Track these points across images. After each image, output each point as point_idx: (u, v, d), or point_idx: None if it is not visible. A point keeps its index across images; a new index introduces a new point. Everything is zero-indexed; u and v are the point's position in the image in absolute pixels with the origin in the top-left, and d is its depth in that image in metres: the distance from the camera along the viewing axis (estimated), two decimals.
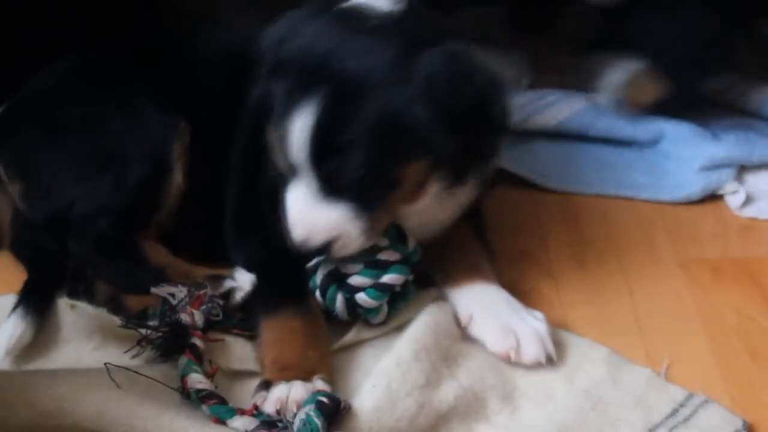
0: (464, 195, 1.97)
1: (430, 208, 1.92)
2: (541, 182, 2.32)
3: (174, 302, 1.89)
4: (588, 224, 2.25)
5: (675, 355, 1.89)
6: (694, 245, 2.18)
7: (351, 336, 1.92)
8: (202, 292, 1.90)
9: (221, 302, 1.92)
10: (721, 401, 1.80)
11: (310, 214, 1.81)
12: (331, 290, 1.90)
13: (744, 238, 2.20)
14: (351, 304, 1.91)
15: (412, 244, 1.94)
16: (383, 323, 1.95)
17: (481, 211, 2.09)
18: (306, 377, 1.76)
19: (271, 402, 1.73)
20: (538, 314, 1.90)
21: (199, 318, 1.87)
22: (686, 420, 1.78)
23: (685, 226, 2.23)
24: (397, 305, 1.94)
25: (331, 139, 1.74)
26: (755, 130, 2.37)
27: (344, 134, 1.73)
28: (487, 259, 2.01)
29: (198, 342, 1.83)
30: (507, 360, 1.85)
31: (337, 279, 1.91)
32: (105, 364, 1.74)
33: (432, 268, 2.01)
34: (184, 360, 1.80)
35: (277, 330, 1.85)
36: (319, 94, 1.73)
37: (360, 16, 1.80)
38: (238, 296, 1.92)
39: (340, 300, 1.90)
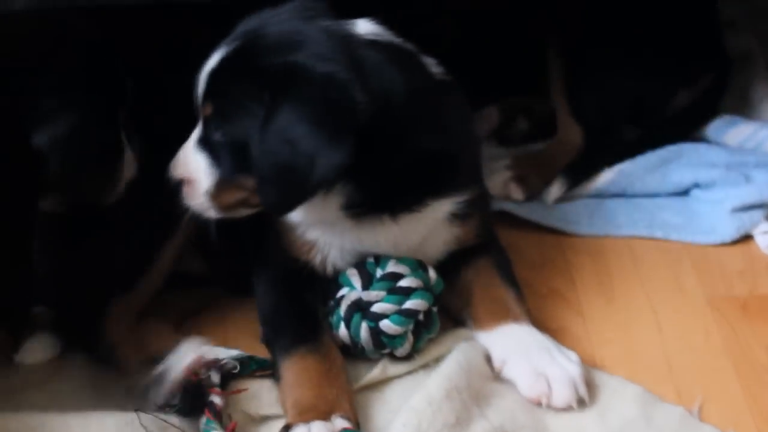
0: (434, 221, 1.95)
1: (398, 234, 1.92)
2: (571, 230, 2.30)
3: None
4: (615, 261, 2.22)
5: (705, 392, 1.87)
6: (723, 283, 2.15)
7: (377, 372, 1.90)
8: (209, 359, 1.89)
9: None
10: None
11: (184, 150, 1.89)
12: (355, 319, 1.90)
13: None
14: (376, 333, 1.89)
15: (433, 274, 1.93)
16: (409, 358, 1.93)
17: (500, 250, 2.07)
18: (325, 417, 1.74)
19: None
20: (572, 355, 1.87)
21: (215, 376, 1.85)
22: None
23: (713, 263, 2.20)
24: (421, 337, 1.92)
25: (212, 91, 1.83)
26: None
27: (220, 93, 1.82)
28: (515, 298, 1.98)
29: (216, 399, 1.81)
30: (539, 404, 1.82)
31: (361, 308, 1.90)
32: (136, 410, 1.74)
33: (461, 311, 1.99)
34: (203, 419, 1.78)
35: (293, 371, 1.84)
36: (225, 48, 1.83)
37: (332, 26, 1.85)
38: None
39: (364, 329, 1.89)
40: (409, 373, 1.92)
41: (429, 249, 1.99)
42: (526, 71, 2.53)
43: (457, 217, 1.96)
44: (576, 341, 1.96)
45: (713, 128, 2.49)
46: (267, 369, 1.91)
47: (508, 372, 1.87)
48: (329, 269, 1.97)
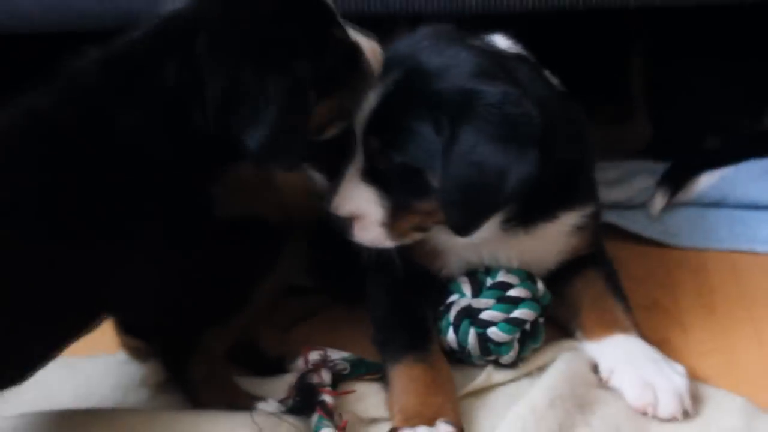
0: (560, 232, 1.97)
1: (525, 243, 1.94)
2: (673, 242, 2.30)
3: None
4: (716, 274, 2.21)
5: None
6: None
7: (482, 379, 1.91)
8: (321, 359, 1.93)
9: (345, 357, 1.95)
10: None
11: (345, 185, 1.88)
12: (464, 325, 1.91)
13: None
14: (483, 339, 1.91)
15: (541, 286, 1.95)
16: (513, 366, 1.94)
17: (608, 261, 2.06)
18: (429, 423, 1.75)
19: None
20: (679, 368, 1.86)
21: (326, 376, 1.89)
22: None
23: None
24: (526, 345, 1.93)
25: (380, 124, 1.83)
26: None
27: (390, 126, 1.81)
28: (624, 309, 1.98)
29: (327, 398, 1.84)
30: (645, 414, 1.82)
31: (470, 314, 1.92)
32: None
33: (569, 321, 2.00)
34: (315, 417, 1.80)
35: (401, 378, 1.86)
36: (388, 80, 1.83)
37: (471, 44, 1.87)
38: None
39: (472, 335, 1.91)
40: (512, 380, 1.92)
41: (545, 259, 2.00)
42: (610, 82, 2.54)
43: (578, 228, 1.98)
44: (677, 353, 1.96)
45: None
46: (376, 372, 1.94)
47: (616, 381, 1.86)
48: (445, 275, 1.99)
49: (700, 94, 2.50)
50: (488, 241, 1.92)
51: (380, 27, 1.93)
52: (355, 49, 1.82)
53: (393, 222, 1.85)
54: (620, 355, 1.89)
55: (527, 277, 1.96)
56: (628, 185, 2.42)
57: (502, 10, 2.13)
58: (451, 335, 1.93)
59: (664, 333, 2.02)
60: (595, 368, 1.92)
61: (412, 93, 1.81)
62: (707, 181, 2.40)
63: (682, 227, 2.34)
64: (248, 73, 1.68)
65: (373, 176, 1.85)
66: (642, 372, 1.85)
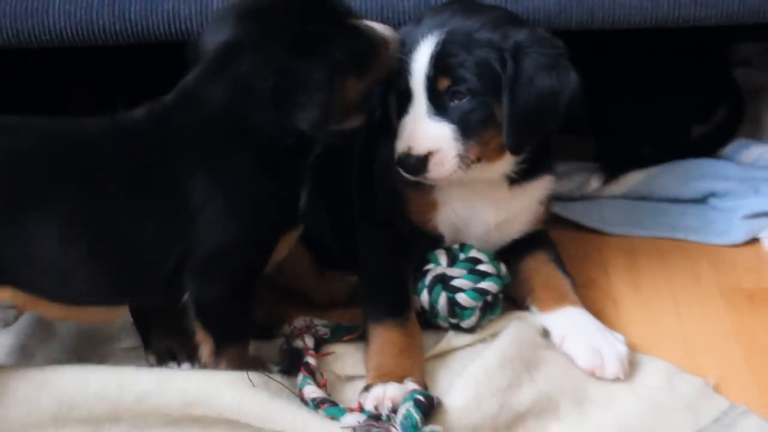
0: (532, 197, 2.04)
1: (507, 203, 2.01)
2: (606, 230, 2.34)
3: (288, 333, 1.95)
4: (643, 257, 2.25)
5: (716, 370, 1.89)
6: (733, 277, 2.18)
7: (443, 343, 1.95)
8: (305, 325, 1.96)
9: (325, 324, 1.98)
10: (757, 412, 1.80)
11: (417, 126, 1.89)
12: (437, 289, 1.96)
13: None
14: (451, 303, 1.95)
15: (504, 268, 2.00)
16: (471, 331, 1.98)
17: (553, 245, 2.11)
18: (399, 380, 1.79)
19: (370, 400, 1.77)
20: (620, 336, 1.92)
21: (309, 341, 1.92)
22: (728, 427, 1.78)
23: (725, 261, 2.23)
24: (485, 315, 1.98)
25: (446, 66, 1.88)
26: None
27: (456, 66, 1.87)
28: (571, 286, 2.03)
29: (311, 360, 1.87)
30: (592, 374, 1.87)
31: (443, 280, 1.97)
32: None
33: (523, 297, 2.04)
34: (300, 376, 1.84)
35: (378, 338, 1.89)
36: (438, 35, 1.88)
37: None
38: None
39: (443, 297, 1.95)
40: (469, 345, 1.96)
41: (513, 226, 2.07)
42: None
43: (544, 199, 2.06)
44: (610, 324, 1.98)
45: (730, 149, 2.52)
46: (353, 333, 1.98)
47: (568, 347, 1.91)
48: (432, 229, 2.02)
49: (636, 111, 2.54)
50: (478, 196, 1.99)
51: None
52: (374, 37, 1.84)
53: (466, 153, 1.88)
54: (571, 325, 1.94)
55: (494, 258, 2.01)
56: (569, 180, 2.46)
57: None
58: (424, 296, 1.97)
59: (599, 307, 2.06)
60: (541, 334, 1.96)
61: (469, 42, 1.87)
62: (636, 178, 2.44)
63: (615, 217, 2.38)
64: (294, 66, 1.71)
65: (440, 115, 1.88)
66: (590, 339, 1.91)
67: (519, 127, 1.86)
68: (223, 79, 1.74)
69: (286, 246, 1.87)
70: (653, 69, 2.54)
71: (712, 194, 2.39)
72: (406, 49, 1.91)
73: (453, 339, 1.97)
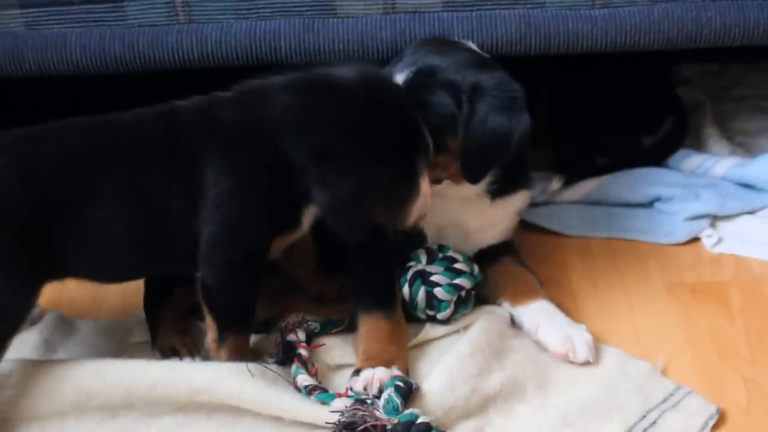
0: (511, 209, 2.06)
1: (486, 212, 2.02)
2: (565, 232, 2.34)
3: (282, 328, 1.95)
4: (598, 256, 2.26)
5: (662, 355, 1.90)
6: (677, 273, 2.19)
7: (422, 335, 1.96)
8: (298, 320, 1.96)
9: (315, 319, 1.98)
10: (699, 392, 1.82)
11: None
12: (417, 283, 1.96)
13: (714, 268, 2.20)
14: (430, 296, 1.95)
15: (477, 268, 2.01)
16: (446, 323, 1.98)
17: (517, 251, 2.12)
18: (387, 365, 1.80)
19: (360, 382, 1.78)
20: (583, 327, 1.94)
21: (301, 335, 1.92)
22: (674, 406, 1.79)
23: (670, 258, 2.24)
24: (459, 308, 1.98)
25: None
26: (725, 190, 2.39)
27: (423, 100, 1.87)
28: (539, 283, 2.04)
29: (303, 351, 1.87)
30: (565, 359, 1.89)
31: (423, 276, 1.97)
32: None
33: (495, 296, 2.04)
34: (294, 366, 1.84)
35: (368, 326, 1.90)
36: (406, 74, 1.89)
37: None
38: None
39: (422, 291, 1.96)
40: (445, 336, 1.96)
41: (488, 234, 2.07)
42: None
43: (518, 212, 2.08)
44: (569, 316, 1.98)
45: (674, 158, 2.53)
46: (340, 326, 1.98)
47: (541, 335, 1.92)
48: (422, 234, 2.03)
49: (592, 124, 2.53)
50: (461, 205, 2.00)
51: None
52: (418, 184, 1.82)
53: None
54: (543, 316, 1.95)
55: (469, 258, 2.03)
56: None
57: None
58: (405, 290, 1.97)
59: (559, 301, 2.05)
60: (508, 325, 1.97)
61: (433, 80, 1.88)
62: (591, 185, 2.44)
63: (573, 220, 2.38)
64: (341, 150, 1.73)
65: None
66: (561, 328, 1.92)
67: (472, 161, 1.88)
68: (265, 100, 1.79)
69: (283, 245, 1.87)
70: (607, 86, 2.53)
71: (659, 199, 2.39)
72: None
73: (431, 330, 1.98)
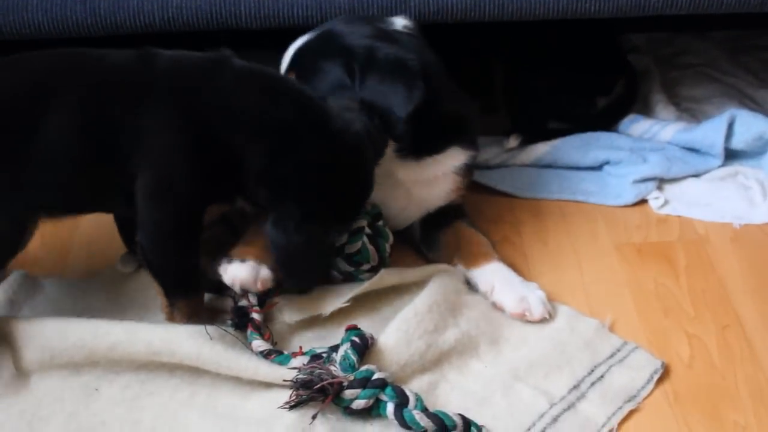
0: (444, 167, 2.01)
1: (416, 170, 1.98)
2: (517, 194, 2.33)
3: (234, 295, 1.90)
4: (549, 217, 2.26)
5: (611, 313, 1.92)
6: (625, 233, 2.19)
7: (376, 279, 1.90)
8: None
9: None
10: (644, 347, 1.84)
11: None
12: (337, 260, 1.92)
13: (660, 229, 2.21)
14: (347, 257, 1.92)
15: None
16: (385, 266, 1.94)
17: (469, 216, 2.11)
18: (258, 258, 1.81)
19: (227, 277, 1.81)
20: (534, 285, 1.94)
21: (253, 299, 1.87)
22: (621, 361, 1.80)
23: (619, 219, 2.24)
24: (382, 246, 1.95)
25: (301, 63, 1.89)
26: (671, 154, 2.39)
27: (312, 64, 1.87)
28: (491, 245, 2.03)
29: (256, 316, 1.84)
30: (521, 318, 1.88)
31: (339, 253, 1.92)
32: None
33: (451, 258, 2.01)
34: (248, 332, 1.81)
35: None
36: (305, 38, 1.90)
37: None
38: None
39: (340, 261, 1.92)
40: (399, 294, 1.94)
41: (433, 198, 2.05)
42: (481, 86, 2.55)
43: (462, 169, 2.03)
44: (521, 275, 1.98)
45: (623, 123, 2.53)
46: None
47: (497, 296, 1.91)
48: None
49: (543, 91, 2.53)
50: (390, 167, 1.95)
51: None
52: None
53: None
54: (497, 277, 1.94)
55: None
56: (485, 151, 2.43)
57: None
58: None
59: (512, 261, 2.05)
60: (463, 282, 1.96)
61: (328, 45, 1.87)
62: (543, 149, 2.43)
63: (525, 182, 2.37)
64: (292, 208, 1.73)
65: None
66: (516, 288, 1.91)
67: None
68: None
69: (220, 211, 1.88)
70: (561, 51, 2.53)
71: (608, 162, 2.39)
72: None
73: (385, 277, 1.93)
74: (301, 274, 1.83)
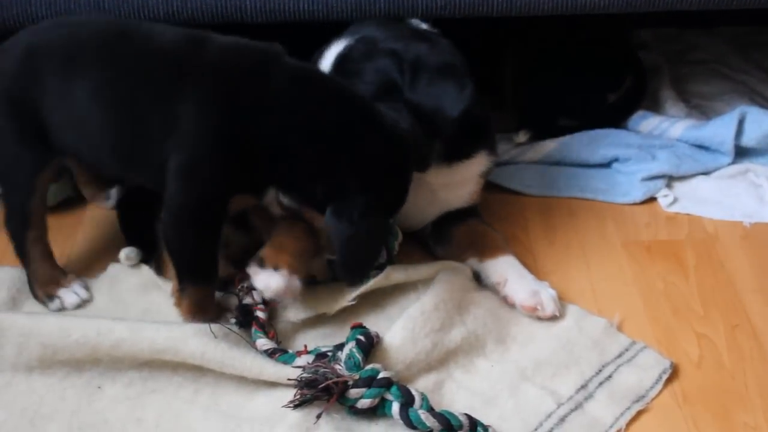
0: (471, 172, 2.02)
1: (445, 176, 1.98)
2: (526, 191, 2.32)
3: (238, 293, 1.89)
4: (557, 215, 2.24)
5: (618, 311, 1.91)
6: (634, 231, 2.18)
7: (381, 277, 1.88)
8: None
9: None
10: (653, 347, 1.82)
11: None
12: None
13: (669, 227, 2.20)
14: None
15: None
16: (391, 263, 1.92)
17: (481, 215, 2.10)
18: (290, 267, 1.80)
19: (258, 281, 1.80)
20: (546, 283, 1.92)
21: (257, 297, 1.85)
22: (629, 360, 1.79)
23: (627, 217, 2.23)
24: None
25: (345, 70, 1.85)
26: (681, 151, 2.37)
27: (355, 71, 1.84)
28: (504, 240, 2.03)
29: (260, 314, 1.82)
30: (533, 313, 1.87)
31: None
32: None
33: (465, 253, 2.00)
34: (252, 330, 1.80)
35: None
36: (344, 42, 1.89)
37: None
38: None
39: None
40: (404, 292, 1.92)
41: (455, 200, 2.05)
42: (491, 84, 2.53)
43: (481, 175, 2.04)
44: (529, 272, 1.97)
45: (632, 120, 2.51)
46: None
47: (509, 288, 1.89)
48: None
49: (551, 88, 2.51)
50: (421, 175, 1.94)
51: None
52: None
53: None
54: (510, 270, 1.93)
55: None
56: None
57: None
58: None
59: (519, 258, 2.02)
60: (470, 279, 1.94)
61: (372, 50, 1.85)
62: (551, 146, 2.42)
63: (533, 180, 2.35)
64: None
65: None
66: (529, 282, 1.90)
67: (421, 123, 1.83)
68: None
69: (244, 204, 1.84)
70: (571, 48, 2.52)
71: (616, 159, 2.37)
72: (320, 55, 1.90)
73: (392, 274, 1.91)
74: (361, 264, 1.80)
